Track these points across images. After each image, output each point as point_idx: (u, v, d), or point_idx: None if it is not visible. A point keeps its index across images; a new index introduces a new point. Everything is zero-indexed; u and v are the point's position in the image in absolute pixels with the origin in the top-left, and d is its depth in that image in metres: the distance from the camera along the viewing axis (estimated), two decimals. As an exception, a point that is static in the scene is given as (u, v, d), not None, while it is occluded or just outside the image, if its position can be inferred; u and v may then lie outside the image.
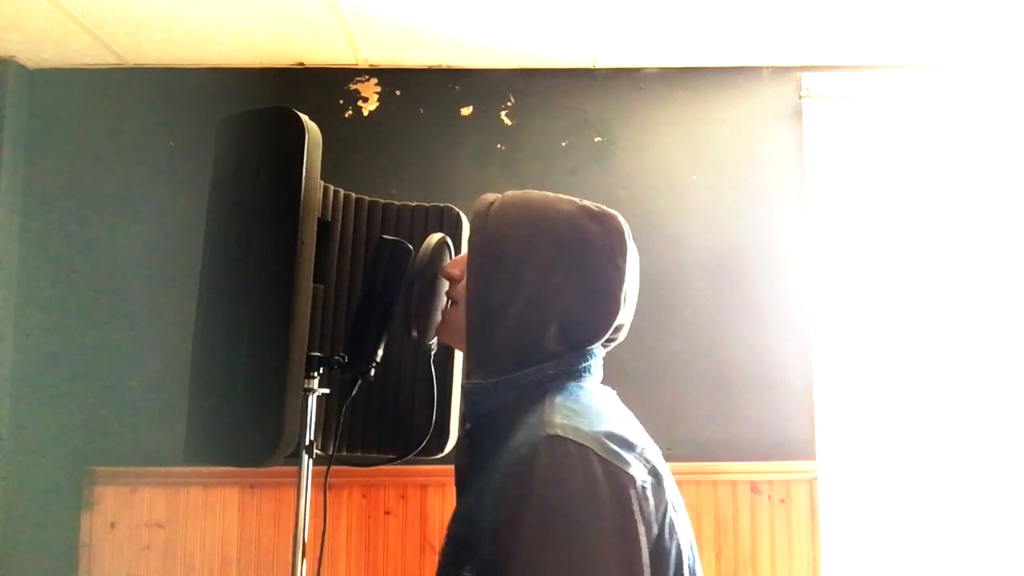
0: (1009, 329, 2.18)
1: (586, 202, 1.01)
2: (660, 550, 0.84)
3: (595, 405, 0.91)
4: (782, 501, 2.10)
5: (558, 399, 0.91)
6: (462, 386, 1.00)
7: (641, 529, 0.80)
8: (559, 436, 0.83)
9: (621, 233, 0.99)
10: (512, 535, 0.80)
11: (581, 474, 0.81)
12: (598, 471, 0.81)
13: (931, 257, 2.20)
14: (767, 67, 2.25)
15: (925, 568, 2.11)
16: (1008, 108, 2.22)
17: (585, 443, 0.83)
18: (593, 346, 1.00)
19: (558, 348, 0.96)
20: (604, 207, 1.01)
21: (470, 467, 0.99)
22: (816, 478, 2.10)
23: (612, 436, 0.85)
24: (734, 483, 2.10)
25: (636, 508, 0.81)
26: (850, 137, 2.22)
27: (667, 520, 0.85)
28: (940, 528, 2.12)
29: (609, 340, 1.04)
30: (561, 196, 1.02)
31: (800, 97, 2.22)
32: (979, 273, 2.20)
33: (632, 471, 0.83)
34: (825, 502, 2.10)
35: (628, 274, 0.98)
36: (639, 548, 0.79)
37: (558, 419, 0.86)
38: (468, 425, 1.01)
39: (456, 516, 0.96)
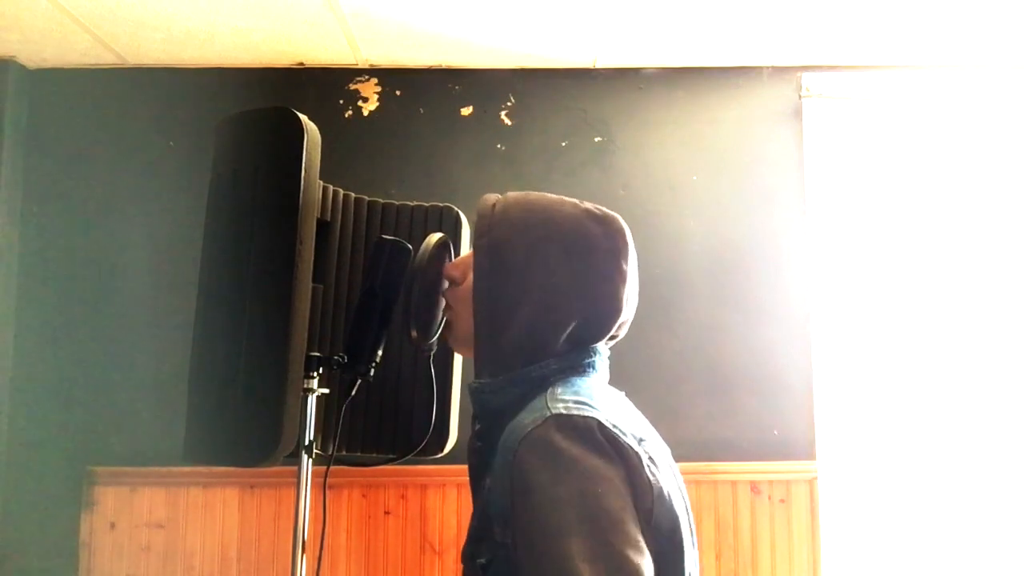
0: (1009, 329, 2.18)
1: (588, 204, 1.02)
2: (659, 520, 0.86)
3: (595, 396, 0.93)
4: (782, 501, 2.10)
5: (559, 388, 0.93)
6: (470, 387, 1.02)
7: (648, 488, 0.84)
8: (563, 414, 0.86)
9: (623, 235, 1.01)
10: (529, 511, 0.81)
11: (591, 445, 0.84)
12: (603, 441, 0.84)
13: (931, 257, 2.20)
14: (767, 67, 2.25)
15: (925, 568, 2.11)
16: (1008, 108, 2.22)
17: (590, 415, 0.86)
18: (595, 344, 1.01)
19: (564, 346, 0.98)
20: (606, 209, 1.02)
21: (481, 465, 1.00)
22: (816, 478, 2.10)
23: (610, 419, 0.88)
24: (734, 483, 2.10)
25: (644, 471, 0.85)
26: (850, 137, 2.22)
27: (665, 495, 0.87)
28: (940, 528, 2.12)
29: (610, 338, 1.06)
30: (563, 198, 1.03)
31: (800, 97, 2.22)
32: (979, 273, 2.20)
33: (634, 446, 0.86)
34: (825, 502, 2.09)
35: (630, 275, 1.01)
36: (651, 503, 0.84)
37: (560, 401, 0.89)
38: (478, 426, 1.03)
39: (474, 513, 0.98)
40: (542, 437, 0.84)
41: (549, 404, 0.88)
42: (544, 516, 0.80)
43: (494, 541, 0.87)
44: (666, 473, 0.90)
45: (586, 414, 0.86)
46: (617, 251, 0.99)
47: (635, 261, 1.04)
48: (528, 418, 0.88)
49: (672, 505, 0.87)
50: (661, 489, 0.86)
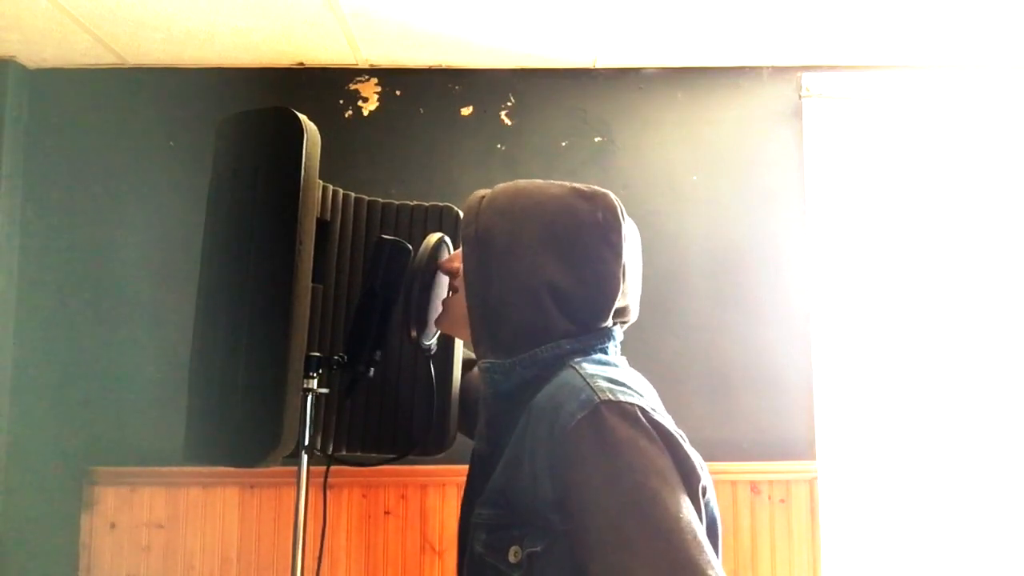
0: (1009, 329, 2.18)
1: (577, 184, 1.02)
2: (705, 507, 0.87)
3: (626, 377, 0.92)
4: (782, 501, 2.10)
5: (587, 366, 0.91)
6: (480, 365, 1.00)
7: (695, 475, 0.85)
8: (612, 400, 0.84)
9: (613, 210, 0.99)
10: (596, 503, 0.81)
11: (644, 433, 0.83)
12: (652, 430, 0.84)
13: (931, 257, 2.20)
14: (767, 67, 2.25)
15: (925, 568, 2.11)
16: (1008, 108, 2.22)
17: (637, 403, 0.85)
18: (605, 324, 1.00)
19: (570, 326, 0.96)
20: (596, 187, 1.02)
21: (491, 452, 0.98)
22: (816, 478, 2.10)
23: (648, 404, 0.88)
24: (734, 483, 2.10)
25: (689, 456, 0.85)
26: (850, 137, 2.22)
27: (707, 482, 0.88)
28: (940, 528, 2.12)
29: (620, 320, 1.04)
30: (552, 182, 1.03)
31: (800, 97, 2.22)
32: (979, 273, 2.20)
33: (676, 431, 0.86)
34: (825, 502, 2.09)
35: (626, 249, 0.99)
36: (696, 487, 0.85)
37: (602, 384, 0.87)
38: (488, 412, 1.01)
39: (484, 502, 0.93)
40: (596, 426, 0.82)
41: (592, 386, 0.86)
42: (611, 514, 0.80)
43: (541, 529, 0.84)
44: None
45: (632, 400, 0.85)
46: (607, 226, 0.97)
47: (634, 236, 1.02)
48: (571, 403, 0.85)
49: (711, 494, 0.88)
50: (704, 477, 0.86)
